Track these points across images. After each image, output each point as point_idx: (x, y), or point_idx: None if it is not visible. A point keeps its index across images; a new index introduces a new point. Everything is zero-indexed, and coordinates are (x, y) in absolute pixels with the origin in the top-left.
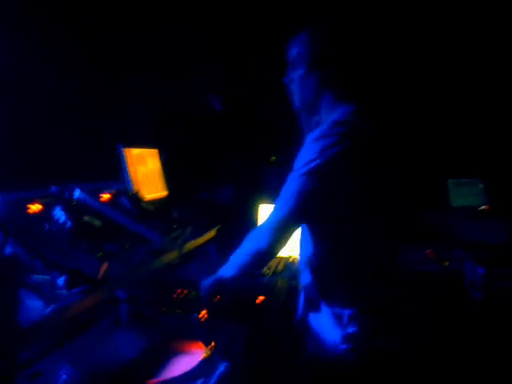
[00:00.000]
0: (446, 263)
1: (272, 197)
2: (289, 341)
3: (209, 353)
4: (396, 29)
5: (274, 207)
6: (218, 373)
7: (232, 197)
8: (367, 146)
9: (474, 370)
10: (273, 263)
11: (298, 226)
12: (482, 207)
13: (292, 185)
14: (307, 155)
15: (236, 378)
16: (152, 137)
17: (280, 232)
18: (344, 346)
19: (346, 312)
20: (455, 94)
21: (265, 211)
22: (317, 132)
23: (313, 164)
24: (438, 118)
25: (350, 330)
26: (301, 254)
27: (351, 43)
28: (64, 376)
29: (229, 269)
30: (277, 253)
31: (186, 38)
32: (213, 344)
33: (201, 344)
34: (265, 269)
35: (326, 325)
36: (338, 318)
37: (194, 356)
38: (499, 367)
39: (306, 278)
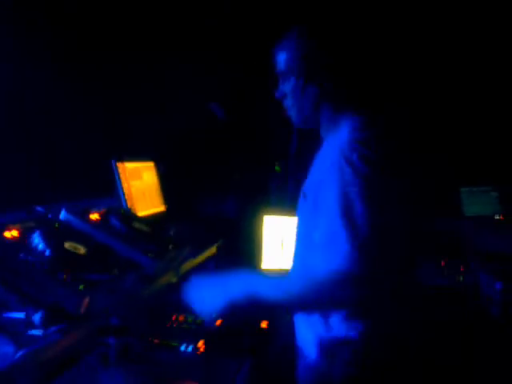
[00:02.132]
0: (461, 277)
1: (277, 207)
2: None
3: None
4: (400, 29)
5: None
6: None
7: (234, 209)
8: (386, 158)
9: None
10: None
11: None
12: (497, 216)
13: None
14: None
15: None
16: (148, 149)
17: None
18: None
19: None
20: (466, 100)
21: (269, 223)
22: (344, 151)
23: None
24: (449, 124)
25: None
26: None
27: (346, 42)
28: None
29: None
30: None
31: (183, 52)
32: None
33: None
34: None
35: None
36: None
37: None
38: None
39: None
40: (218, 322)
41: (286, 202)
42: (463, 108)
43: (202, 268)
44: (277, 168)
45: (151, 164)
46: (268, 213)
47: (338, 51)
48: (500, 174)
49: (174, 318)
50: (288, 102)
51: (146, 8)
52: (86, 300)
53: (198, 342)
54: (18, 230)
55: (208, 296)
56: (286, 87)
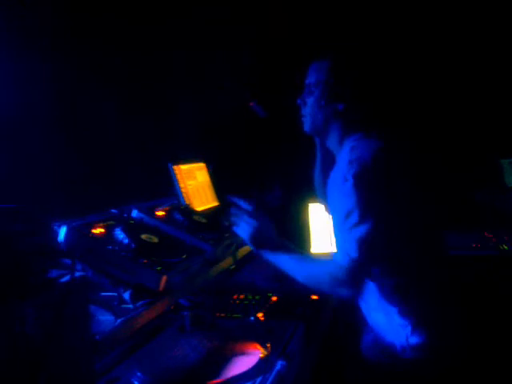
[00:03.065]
0: (505, 247)
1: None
2: (344, 338)
3: (266, 353)
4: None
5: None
6: (275, 371)
7: (280, 198)
8: (392, 171)
9: None
10: None
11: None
12: None
13: (350, 237)
14: (344, 203)
15: (293, 376)
16: (199, 151)
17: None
18: (406, 355)
19: (410, 321)
20: (503, 73)
21: (315, 210)
22: (338, 173)
23: (358, 210)
24: (488, 97)
25: (413, 340)
26: None
27: (371, 82)
28: (136, 383)
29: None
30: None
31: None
32: (269, 344)
33: (257, 345)
34: None
35: (388, 332)
36: (401, 327)
37: (252, 356)
38: None
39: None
40: (275, 298)
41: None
42: (499, 81)
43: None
44: None
45: (203, 164)
46: (312, 200)
47: (362, 88)
48: None
49: (235, 297)
50: (305, 111)
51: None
52: (164, 279)
53: (257, 313)
54: (102, 227)
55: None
56: (308, 99)
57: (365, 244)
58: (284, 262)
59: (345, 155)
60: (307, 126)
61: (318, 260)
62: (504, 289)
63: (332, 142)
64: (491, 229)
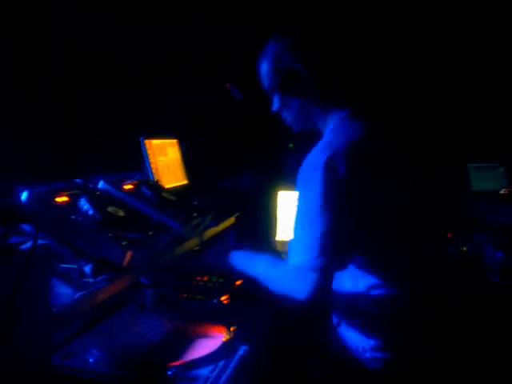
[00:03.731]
0: (465, 248)
1: (291, 183)
2: (310, 327)
3: (229, 336)
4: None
5: (301, 256)
6: (238, 356)
7: (251, 184)
8: (367, 156)
9: (492, 353)
10: None
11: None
12: (503, 191)
13: (309, 234)
14: (308, 194)
15: (255, 361)
16: (172, 128)
17: (318, 284)
18: (368, 355)
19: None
20: (473, 79)
21: (284, 198)
22: (311, 159)
23: (320, 203)
24: (455, 103)
25: (376, 342)
26: None
27: (313, 49)
28: (91, 359)
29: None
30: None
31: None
32: (232, 328)
33: (222, 328)
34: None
35: (353, 330)
36: (364, 327)
37: (215, 339)
38: None
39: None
40: (239, 282)
41: None
42: (469, 86)
43: (222, 236)
44: (290, 145)
45: (175, 141)
46: (282, 188)
47: (306, 56)
48: (507, 151)
49: (199, 278)
50: (283, 115)
51: None
52: (129, 254)
53: (221, 296)
54: (66, 196)
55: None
56: (276, 102)
57: (320, 240)
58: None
59: (325, 136)
60: (293, 127)
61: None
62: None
63: (322, 125)
64: (453, 231)
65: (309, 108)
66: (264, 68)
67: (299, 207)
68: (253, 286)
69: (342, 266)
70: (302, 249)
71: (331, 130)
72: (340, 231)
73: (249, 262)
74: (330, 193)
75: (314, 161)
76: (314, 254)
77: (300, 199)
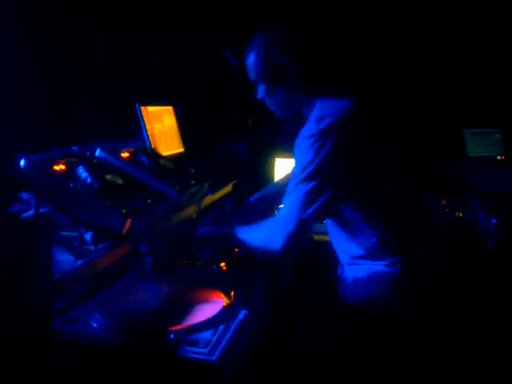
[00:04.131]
0: (460, 214)
1: (288, 151)
2: (303, 288)
3: (229, 301)
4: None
5: (286, 209)
6: (238, 320)
7: (247, 151)
8: (356, 127)
9: (486, 317)
10: None
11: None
12: (499, 157)
13: (298, 191)
14: (303, 158)
15: (255, 325)
16: (167, 94)
17: (292, 236)
18: (394, 269)
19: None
20: (469, 44)
21: (281, 165)
22: (305, 131)
23: (312, 167)
24: (451, 68)
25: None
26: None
27: (301, 41)
28: (94, 324)
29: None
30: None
31: None
32: (233, 293)
33: (221, 293)
34: None
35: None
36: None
37: (214, 304)
38: (508, 311)
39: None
40: (237, 249)
41: None
42: (466, 51)
43: (220, 204)
44: (249, 121)
45: (170, 108)
46: (279, 155)
47: (298, 52)
48: (503, 116)
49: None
50: (266, 102)
51: None
52: (129, 221)
53: (220, 263)
54: (64, 164)
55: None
56: (260, 91)
57: (307, 198)
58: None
59: (314, 113)
60: (276, 112)
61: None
62: (458, 252)
63: (304, 112)
64: (449, 197)
65: (293, 97)
66: (251, 59)
67: (295, 170)
68: (239, 248)
69: (320, 218)
70: (287, 204)
71: (319, 109)
72: (327, 189)
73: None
74: (324, 156)
75: (309, 131)
76: (296, 207)
77: (296, 163)
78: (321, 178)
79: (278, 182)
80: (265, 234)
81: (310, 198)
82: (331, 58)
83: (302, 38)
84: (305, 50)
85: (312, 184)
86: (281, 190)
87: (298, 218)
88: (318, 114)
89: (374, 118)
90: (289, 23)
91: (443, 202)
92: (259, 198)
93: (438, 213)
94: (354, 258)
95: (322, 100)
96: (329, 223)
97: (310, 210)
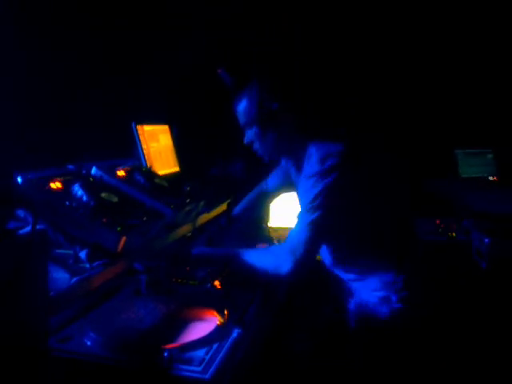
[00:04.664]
0: (454, 234)
1: None
2: (301, 307)
3: (222, 320)
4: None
5: (293, 236)
6: (231, 338)
7: (242, 171)
8: (357, 160)
9: (478, 335)
10: (282, 234)
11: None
12: (491, 178)
13: (304, 220)
14: (308, 195)
15: (249, 343)
16: (163, 113)
17: (301, 260)
18: (399, 306)
19: (399, 278)
20: (462, 63)
21: None
22: (308, 171)
23: (318, 200)
24: (444, 87)
25: (403, 293)
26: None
27: (291, 90)
28: (88, 342)
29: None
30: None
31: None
32: (226, 312)
33: (215, 312)
34: (275, 241)
35: (377, 290)
36: (389, 284)
37: (208, 323)
38: (502, 330)
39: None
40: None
41: None
42: (458, 71)
43: (214, 222)
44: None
45: (166, 127)
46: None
47: (282, 97)
48: (495, 137)
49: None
50: (255, 146)
51: None
52: (123, 239)
53: (214, 281)
54: (60, 182)
55: None
56: (249, 135)
57: (314, 225)
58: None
59: (313, 153)
60: (264, 157)
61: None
62: (451, 272)
63: (296, 153)
64: (442, 217)
65: (284, 140)
66: (242, 105)
67: (301, 207)
68: (243, 271)
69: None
70: (295, 233)
71: (318, 149)
72: (330, 217)
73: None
74: (328, 190)
75: (313, 171)
76: (303, 235)
77: (301, 200)
78: (325, 208)
79: (254, 191)
80: (273, 259)
81: (316, 226)
82: (323, 99)
83: (293, 86)
84: (296, 96)
85: (317, 214)
86: (258, 199)
87: (305, 242)
88: (320, 155)
89: (372, 147)
90: (281, 72)
91: (437, 222)
92: (241, 210)
93: (431, 232)
94: (358, 274)
95: (316, 140)
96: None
97: (317, 235)
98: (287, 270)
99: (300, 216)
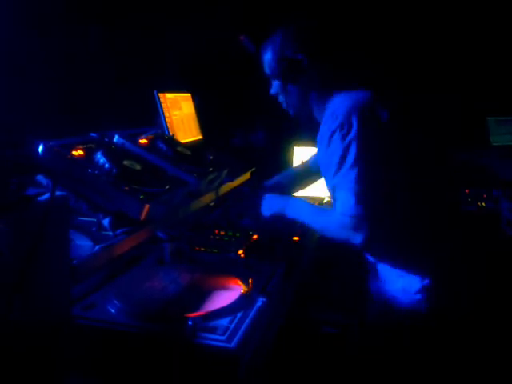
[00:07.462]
0: (483, 204)
1: (307, 139)
2: (322, 278)
3: (247, 289)
4: None
5: (345, 202)
6: (255, 307)
7: (264, 139)
8: (373, 112)
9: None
10: None
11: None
12: None
13: (347, 183)
14: (333, 157)
15: (273, 313)
16: (186, 81)
17: (367, 226)
18: (419, 296)
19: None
20: (495, 30)
21: (299, 153)
22: (324, 129)
23: (347, 158)
24: (475, 54)
25: (426, 282)
26: None
27: (317, 40)
28: (112, 310)
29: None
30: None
31: None
32: (250, 281)
33: (239, 280)
34: None
35: (400, 276)
36: (414, 271)
37: (232, 291)
38: None
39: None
40: (255, 237)
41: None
42: (489, 38)
43: (237, 192)
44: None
45: (188, 95)
46: (298, 144)
47: (315, 51)
48: None
49: (216, 232)
50: (280, 99)
51: None
52: (147, 207)
53: (238, 250)
54: (82, 150)
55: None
56: (275, 87)
57: (360, 186)
58: (304, 217)
59: (330, 107)
60: (290, 112)
61: (327, 212)
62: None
63: (317, 110)
64: (472, 186)
65: (307, 95)
66: (268, 55)
67: (330, 170)
68: (268, 240)
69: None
70: (344, 199)
71: (335, 104)
72: (371, 170)
73: (293, 207)
74: (353, 144)
75: (328, 128)
76: (364, 205)
77: (327, 163)
78: (360, 161)
79: (295, 167)
80: (339, 229)
81: (361, 184)
82: (348, 53)
83: (319, 35)
84: (323, 46)
85: (356, 170)
86: (297, 176)
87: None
88: (333, 109)
89: (392, 104)
90: (306, 19)
91: (466, 191)
92: (275, 182)
93: (460, 202)
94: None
95: (337, 95)
96: None
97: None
98: (359, 241)
99: (336, 181)
